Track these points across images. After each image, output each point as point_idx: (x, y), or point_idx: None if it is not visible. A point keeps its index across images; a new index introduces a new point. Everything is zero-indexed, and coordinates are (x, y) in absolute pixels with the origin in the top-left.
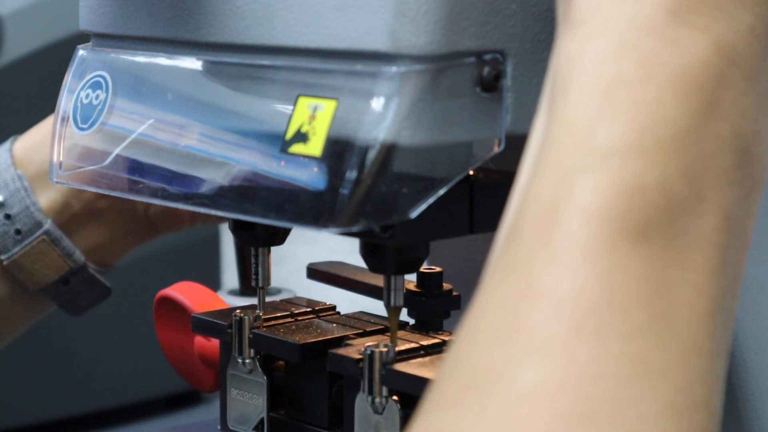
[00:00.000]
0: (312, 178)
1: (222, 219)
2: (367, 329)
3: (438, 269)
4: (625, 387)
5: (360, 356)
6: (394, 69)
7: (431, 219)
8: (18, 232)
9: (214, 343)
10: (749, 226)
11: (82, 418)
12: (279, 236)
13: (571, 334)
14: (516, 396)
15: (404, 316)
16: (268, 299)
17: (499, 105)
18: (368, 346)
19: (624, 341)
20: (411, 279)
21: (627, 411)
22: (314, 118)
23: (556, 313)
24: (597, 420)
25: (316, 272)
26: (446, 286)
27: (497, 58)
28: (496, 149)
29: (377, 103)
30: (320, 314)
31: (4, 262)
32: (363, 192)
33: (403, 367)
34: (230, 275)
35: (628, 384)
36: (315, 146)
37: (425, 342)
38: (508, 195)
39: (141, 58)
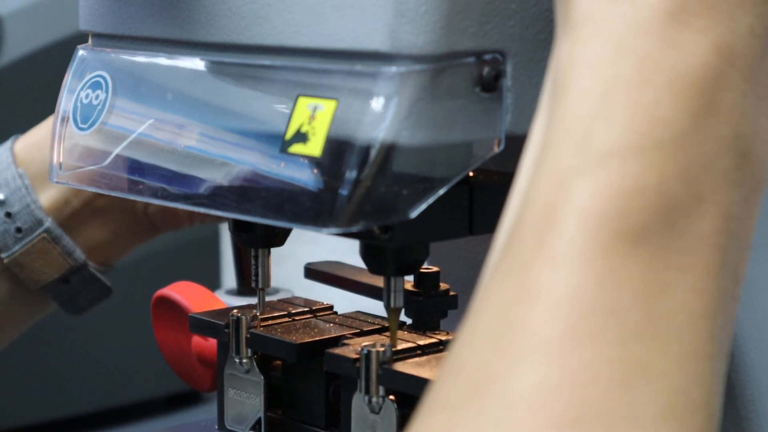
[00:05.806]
0: (312, 178)
1: (222, 219)
2: (365, 329)
3: (435, 269)
4: (620, 391)
5: (357, 356)
6: (393, 69)
7: (431, 220)
8: (18, 230)
9: (212, 342)
10: (750, 227)
11: (82, 418)
12: (279, 237)
13: (567, 337)
14: (512, 400)
15: (401, 315)
16: (266, 299)
17: (498, 105)
18: (365, 345)
19: (619, 345)
20: (408, 279)
21: (622, 415)
22: (314, 118)
23: (552, 317)
24: (592, 424)
25: (313, 272)
26: (443, 285)
27: (497, 58)
28: (496, 149)
29: (377, 103)
30: (317, 314)
31: (5, 261)
32: (363, 192)
33: (400, 366)
34: (230, 275)
35: (624, 387)
36: (315, 146)
37: (422, 341)
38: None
39: (141, 58)
